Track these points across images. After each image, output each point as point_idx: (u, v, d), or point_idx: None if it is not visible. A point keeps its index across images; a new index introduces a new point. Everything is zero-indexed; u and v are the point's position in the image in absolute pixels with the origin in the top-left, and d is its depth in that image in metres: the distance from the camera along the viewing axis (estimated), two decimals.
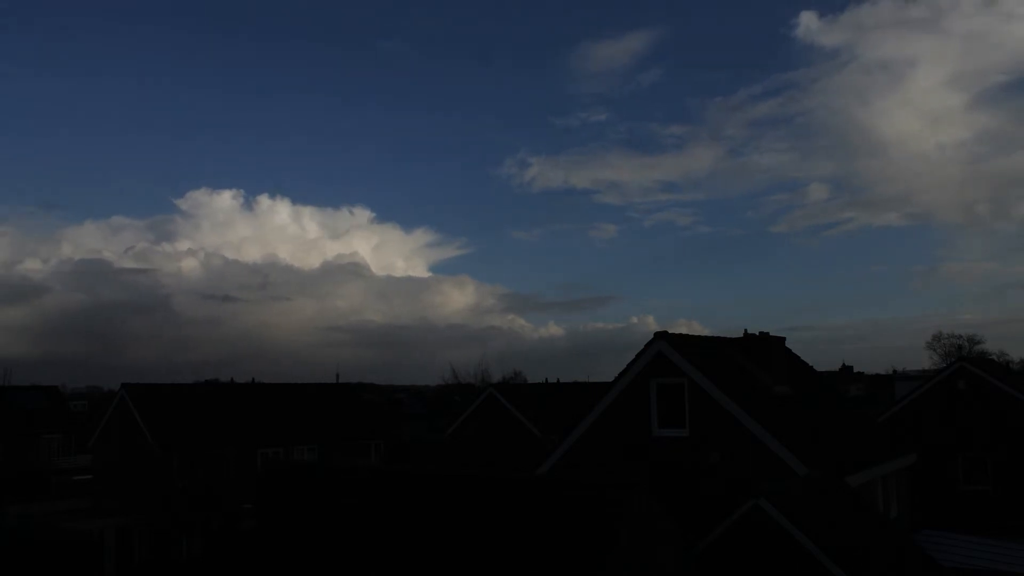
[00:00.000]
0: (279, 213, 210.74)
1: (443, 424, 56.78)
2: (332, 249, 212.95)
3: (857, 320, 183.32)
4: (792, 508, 15.42)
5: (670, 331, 21.36)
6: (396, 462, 45.55)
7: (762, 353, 23.38)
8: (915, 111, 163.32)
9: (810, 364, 28.76)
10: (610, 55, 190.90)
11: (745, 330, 24.53)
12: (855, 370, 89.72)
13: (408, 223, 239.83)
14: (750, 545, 15.35)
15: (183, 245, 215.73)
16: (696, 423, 20.07)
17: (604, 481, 13.35)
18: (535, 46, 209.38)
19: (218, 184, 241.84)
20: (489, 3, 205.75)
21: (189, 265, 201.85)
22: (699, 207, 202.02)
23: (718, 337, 24.61)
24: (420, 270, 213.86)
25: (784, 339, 25.37)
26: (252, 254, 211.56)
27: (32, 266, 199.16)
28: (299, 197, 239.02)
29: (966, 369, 35.27)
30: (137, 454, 39.19)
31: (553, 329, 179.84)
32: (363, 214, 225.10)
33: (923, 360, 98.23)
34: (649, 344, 21.02)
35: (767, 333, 24.16)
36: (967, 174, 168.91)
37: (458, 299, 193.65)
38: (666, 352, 20.59)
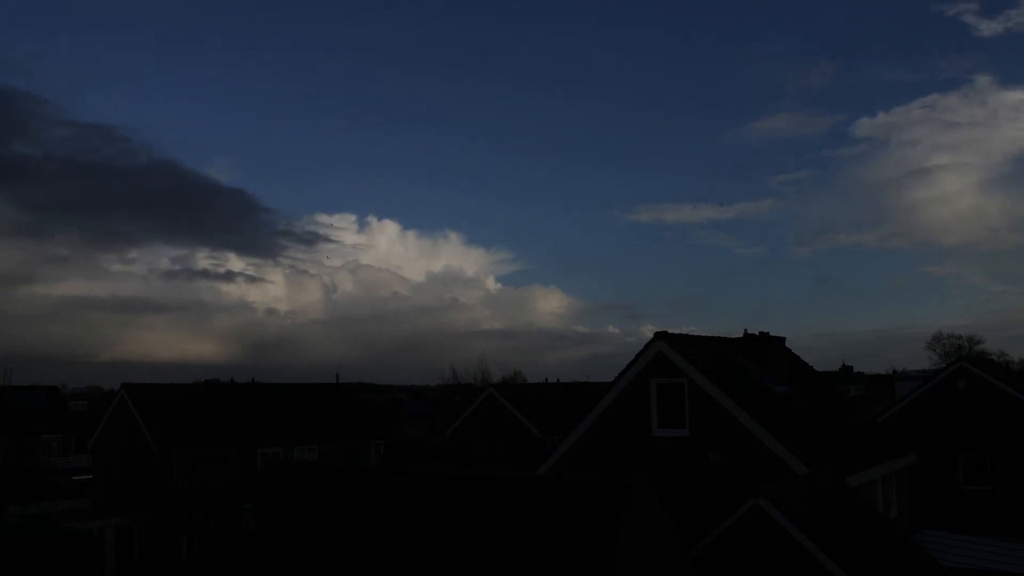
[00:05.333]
0: (388, 235, 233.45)
1: (443, 424, 56.84)
2: (437, 265, 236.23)
3: (863, 326, 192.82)
4: (792, 508, 15.41)
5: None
6: (396, 462, 45.54)
7: (762, 353, 23.37)
8: (935, 187, 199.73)
9: (810, 364, 28.76)
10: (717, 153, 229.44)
11: (745, 330, 24.52)
12: (855, 370, 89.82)
13: (488, 244, 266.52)
14: (750, 545, 15.35)
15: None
16: (696, 423, 20.04)
17: (604, 481, 13.36)
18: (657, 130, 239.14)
19: (333, 208, 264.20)
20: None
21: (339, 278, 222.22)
22: (743, 237, 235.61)
23: (718, 337, 24.58)
24: (492, 283, 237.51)
25: (784, 339, 25.35)
26: (383, 269, 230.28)
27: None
28: (405, 223, 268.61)
29: (966, 369, 35.29)
30: (137, 454, 39.18)
31: (613, 332, 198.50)
32: (455, 236, 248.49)
33: (923, 360, 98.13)
34: (649, 344, 20.96)
35: (767, 333, 24.14)
36: (973, 217, 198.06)
37: (556, 307, 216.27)
38: (666, 352, 20.55)
